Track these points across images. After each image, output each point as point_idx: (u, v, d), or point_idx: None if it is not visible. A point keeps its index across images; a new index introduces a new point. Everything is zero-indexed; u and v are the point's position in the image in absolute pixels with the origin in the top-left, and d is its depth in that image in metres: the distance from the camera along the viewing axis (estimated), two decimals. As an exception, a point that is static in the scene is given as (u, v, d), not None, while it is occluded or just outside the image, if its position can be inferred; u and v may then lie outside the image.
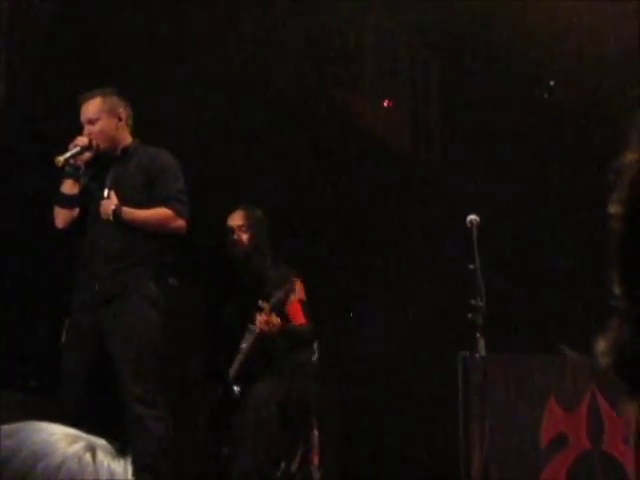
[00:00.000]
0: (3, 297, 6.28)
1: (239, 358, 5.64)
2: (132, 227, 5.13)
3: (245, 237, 5.80)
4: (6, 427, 1.31)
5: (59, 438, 1.31)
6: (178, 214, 5.18)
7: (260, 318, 5.54)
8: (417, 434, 7.12)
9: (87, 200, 5.23)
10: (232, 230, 5.84)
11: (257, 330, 5.57)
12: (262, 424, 5.43)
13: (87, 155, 5.19)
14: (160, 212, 5.19)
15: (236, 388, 5.61)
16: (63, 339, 5.22)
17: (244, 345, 5.65)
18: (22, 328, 6.41)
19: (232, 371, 5.64)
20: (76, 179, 5.19)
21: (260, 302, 5.54)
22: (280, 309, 5.59)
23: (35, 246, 6.26)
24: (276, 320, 5.54)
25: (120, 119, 5.29)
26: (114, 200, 5.10)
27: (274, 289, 5.64)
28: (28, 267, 6.46)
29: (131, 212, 5.12)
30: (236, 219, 5.85)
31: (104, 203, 5.12)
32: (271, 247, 5.87)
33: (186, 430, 5.50)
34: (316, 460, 5.78)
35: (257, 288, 5.71)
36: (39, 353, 6.14)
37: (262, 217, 5.88)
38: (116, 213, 5.06)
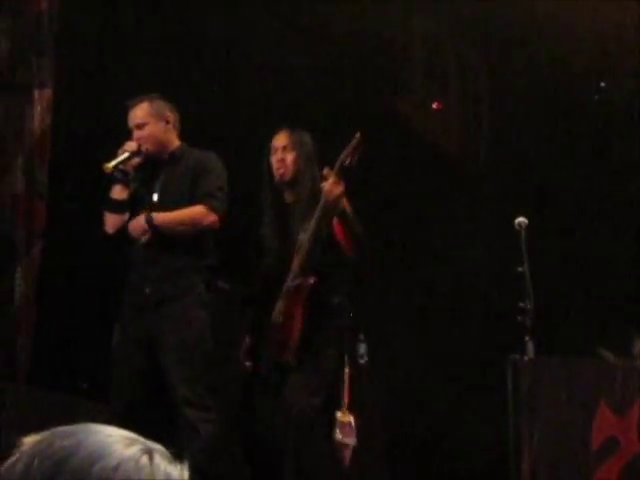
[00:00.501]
0: (55, 299, 6.34)
1: (301, 252, 5.16)
2: (168, 231, 5.15)
3: (289, 158, 5.30)
4: (63, 428, 1.34)
5: (116, 440, 1.32)
6: (211, 209, 5.16)
7: (325, 185, 5.02)
8: (466, 437, 7.08)
9: (137, 205, 5.27)
10: (275, 151, 5.36)
11: (322, 201, 5.04)
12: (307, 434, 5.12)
13: (136, 160, 5.23)
14: (193, 210, 5.18)
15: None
16: (113, 342, 5.26)
17: (303, 236, 5.19)
18: (73, 330, 6.47)
19: (294, 267, 5.15)
20: (125, 184, 5.24)
21: (325, 170, 5.05)
22: (345, 172, 5.04)
23: (87, 248, 6.32)
24: (342, 187, 5.01)
25: (168, 122, 5.33)
26: (139, 218, 5.13)
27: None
28: (80, 269, 6.53)
29: (162, 215, 5.14)
30: (280, 140, 5.37)
31: (131, 225, 5.16)
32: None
33: (235, 432, 5.49)
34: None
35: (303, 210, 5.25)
36: (90, 355, 6.19)
37: (309, 139, 5.39)
38: (148, 222, 5.09)
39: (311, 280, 5.15)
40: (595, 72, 7.63)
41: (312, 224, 5.13)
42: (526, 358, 5.21)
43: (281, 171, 5.31)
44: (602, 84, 7.71)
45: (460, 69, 8.25)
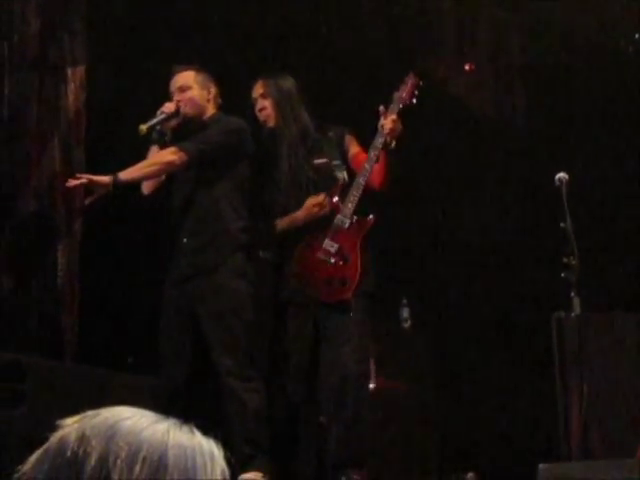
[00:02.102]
0: (98, 275, 6.37)
1: (352, 198, 5.16)
2: (139, 178, 5.13)
3: (268, 103, 5.37)
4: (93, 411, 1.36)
5: (150, 414, 1.37)
6: (180, 149, 5.11)
7: (385, 123, 5.07)
8: (513, 397, 7.07)
9: None
10: (254, 101, 5.43)
11: (384, 135, 5.06)
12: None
13: (173, 122, 5.25)
14: (162, 152, 5.18)
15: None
16: (160, 316, 5.27)
17: (340, 175, 5.26)
18: (118, 305, 6.50)
19: (345, 209, 5.14)
20: (162, 145, 5.23)
21: (381, 107, 5.10)
22: (404, 110, 5.10)
23: (127, 223, 6.34)
24: (401, 125, 5.06)
25: (209, 92, 5.34)
26: (95, 177, 4.93)
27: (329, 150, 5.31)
28: (121, 245, 6.55)
29: (126, 172, 5.02)
30: (257, 89, 5.43)
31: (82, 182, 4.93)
32: (311, 115, 5.44)
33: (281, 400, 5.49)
34: None
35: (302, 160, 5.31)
36: (136, 330, 6.22)
37: (286, 82, 5.41)
38: (115, 183, 4.92)
39: (371, 218, 5.19)
40: (630, 24, 7.54)
41: (366, 165, 5.15)
42: (572, 314, 5.18)
43: (264, 118, 5.40)
44: (637, 36, 7.62)
45: (492, 30, 8.18)
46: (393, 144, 5.10)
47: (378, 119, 5.13)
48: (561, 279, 5.10)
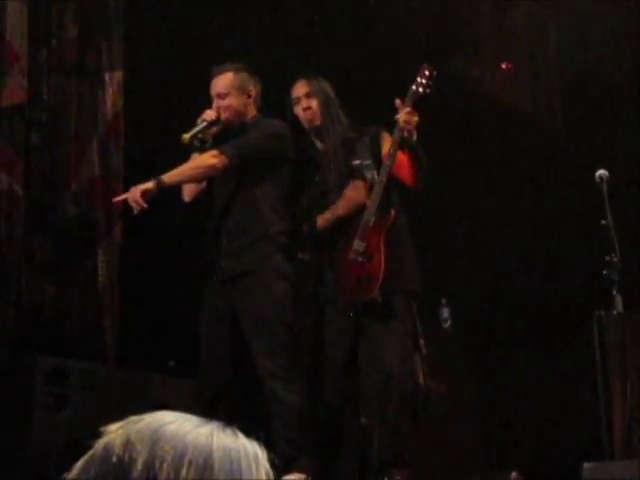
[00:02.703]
0: (139, 279, 6.40)
1: (374, 195, 5.14)
2: (182, 181, 5.13)
3: (314, 103, 5.38)
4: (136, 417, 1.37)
5: (193, 418, 1.37)
6: (221, 152, 5.11)
7: (401, 115, 5.07)
8: (556, 396, 7.03)
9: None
10: (297, 101, 5.44)
11: (398, 132, 5.08)
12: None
13: (214, 129, 5.26)
14: (199, 158, 5.17)
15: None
16: (199, 318, 5.28)
17: (368, 173, 5.25)
18: (158, 309, 6.53)
19: (370, 206, 5.12)
20: (203, 152, 5.23)
21: (397, 101, 5.11)
22: (419, 102, 5.11)
23: (167, 226, 6.36)
24: (417, 116, 5.05)
25: (249, 96, 5.34)
26: (139, 187, 4.89)
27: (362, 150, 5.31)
28: (161, 248, 6.57)
29: (169, 175, 5.01)
30: (300, 88, 5.44)
31: (130, 197, 4.90)
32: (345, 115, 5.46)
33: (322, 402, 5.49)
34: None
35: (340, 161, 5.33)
36: (176, 333, 6.24)
37: (327, 85, 5.46)
38: (159, 187, 4.91)
39: (392, 213, 5.19)
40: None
41: (387, 161, 5.15)
42: (615, 312, 5.14)
43: (309, 117, 5.39)
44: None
45: (528, 26, 8.14)
46: (414, 137, 5.09)
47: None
48: (603, 277, 5.07)
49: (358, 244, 5.16)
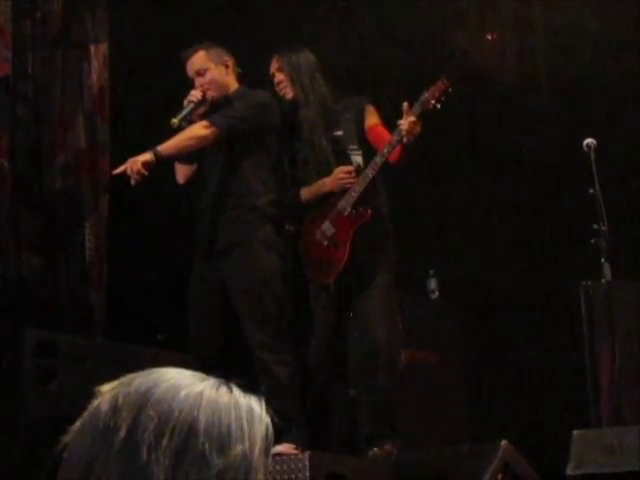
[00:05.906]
0: (126, 251, 6.39)
1: (357, 187, 5.14)
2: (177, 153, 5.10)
3: (282, 77, 5.38)
4: (134, 374, 1.36)
5: (190, 375, 1.37)
6: (211, 123, 5.10)
7: (404, 122, 4.99)
8: (544, 365, 7.06)
9: (203, 152, 5.25)
10: (273, 77, 5.43)
11: (402, 133, 4.97)
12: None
13: (202, 109, 5.24)
14: (194, 126, 5.15)
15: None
16: (189, 291, 5.27)
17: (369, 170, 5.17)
18: (146, 282, 6.52)
19: (349, 196, 5.13)
20: None
21: (405, 104, 5.02)
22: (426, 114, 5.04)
23: (155, 200, 6.34)
24: (420, 128, 4.98)
25: (227, 66, 5.33)
26: (137, 158, 4.89)
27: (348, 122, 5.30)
28: (149, 221, 6.56)
29: (164, 146, 5.00)
30: (273, 65, 5.44)
31: (129, 167, 4.89)
32: (333, 87, 5.43)
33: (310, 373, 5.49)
34: None
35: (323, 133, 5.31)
36: (165, 306, 6.23)
37: (302, 56, 5.40)
38: (157, 158, 4.92)
39: (369, 212, 5.18)
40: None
41: (379, 156, 5.13)
42: (603, 281, 5.15)
43: (283, 91, 5.39)
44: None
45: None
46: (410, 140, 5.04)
47: (401, 115, 5.06)
48: (591, 245, 5.08)
49: (328, 227, 5.22)
